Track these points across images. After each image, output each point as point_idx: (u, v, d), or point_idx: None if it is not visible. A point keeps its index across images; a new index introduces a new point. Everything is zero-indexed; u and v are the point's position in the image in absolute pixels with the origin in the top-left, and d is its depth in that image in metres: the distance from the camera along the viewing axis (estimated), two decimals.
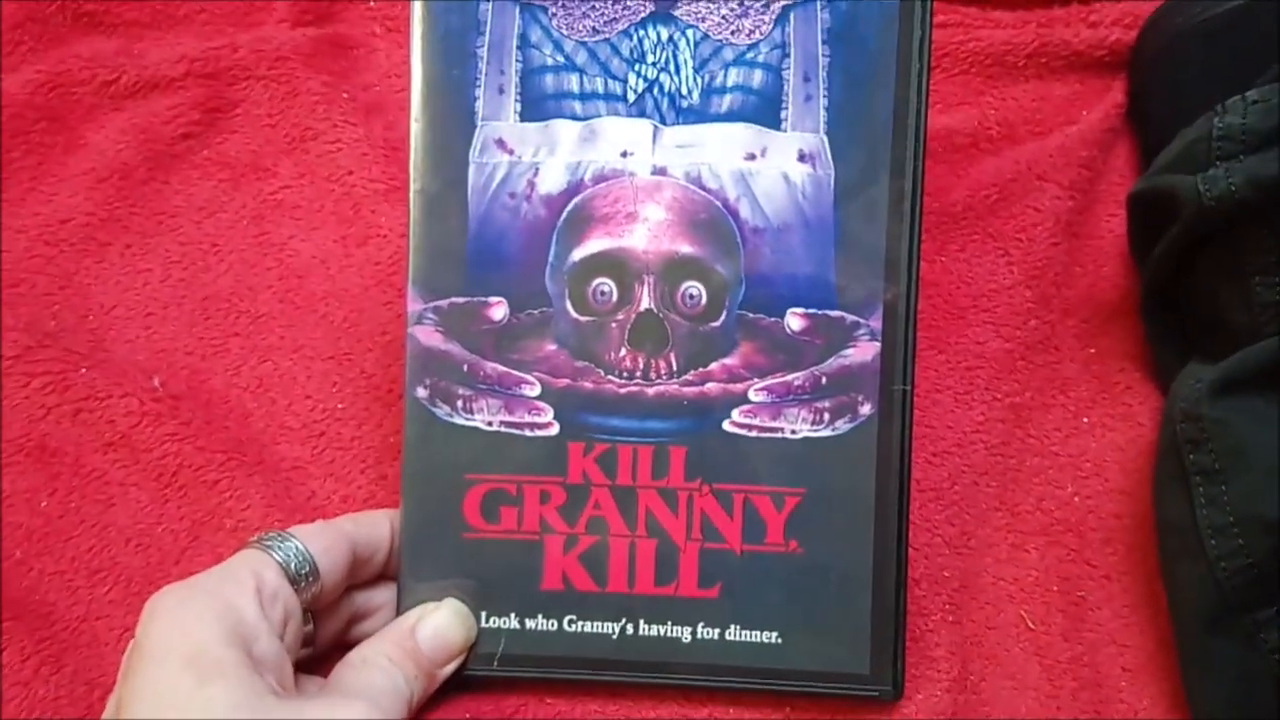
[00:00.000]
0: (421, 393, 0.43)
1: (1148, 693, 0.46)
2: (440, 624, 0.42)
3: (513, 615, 0.43)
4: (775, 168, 0.43)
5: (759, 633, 0.43)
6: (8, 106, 0.54)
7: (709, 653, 0.43)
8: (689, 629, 0.43)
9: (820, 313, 0.43)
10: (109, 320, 0.52)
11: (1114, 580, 0.48)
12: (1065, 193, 0.53)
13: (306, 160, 0.55)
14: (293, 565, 0.39)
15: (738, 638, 0.43)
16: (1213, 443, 0.43)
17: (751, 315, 0.43)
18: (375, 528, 0.43)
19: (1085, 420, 0.51)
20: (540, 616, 0.43)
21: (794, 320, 0.43)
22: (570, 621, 0.43)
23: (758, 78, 0.43)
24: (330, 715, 0.36)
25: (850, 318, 0.43)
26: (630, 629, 0.43)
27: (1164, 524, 0.46)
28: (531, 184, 0.43)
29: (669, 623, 0.43)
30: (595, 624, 0.43)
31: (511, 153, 0.43)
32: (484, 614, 0.43)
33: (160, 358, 0.51)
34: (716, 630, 0.43)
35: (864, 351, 0.43)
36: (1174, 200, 0.46)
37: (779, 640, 0.43)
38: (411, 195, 0.44)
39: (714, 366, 0.43)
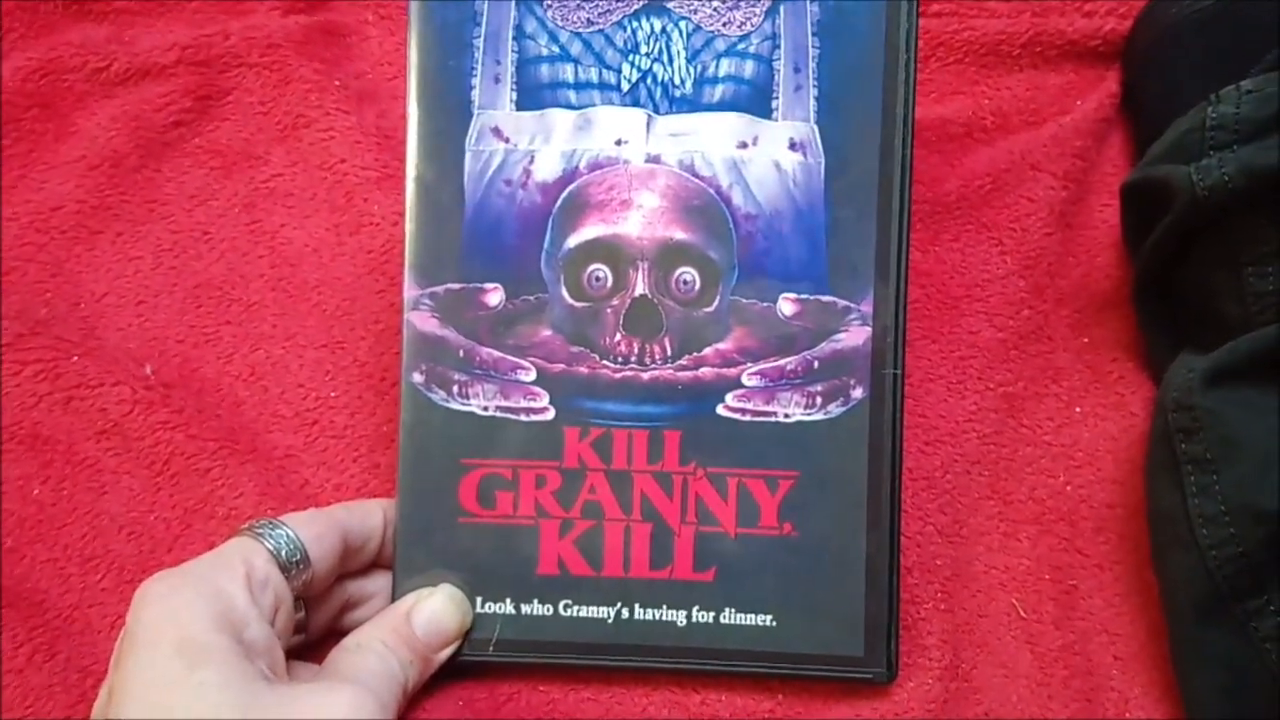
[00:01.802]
0: (418, 378, 0.44)
1: (1139, 681, 0.47)
2: (435, 609, 0.43)
3: (508, 600, 0.44)
4: (767, 156, 0.44)
5: (754, 616, 0.44)
6: None
7: (704, 636, 0.44)
8: (684, 612, 0.44)
9: (812, 298, 0.44)
10: (100, 308, 0.52)
11: (1106, 569, 0.49)
12: (1059, 183, 0.54)
13: (299, 148, 0.55)
14: (283, 552, 0.40)
15: (733, 621, 0.44)
16: (1204, 432, 0.44)
17: (744, 301, 0.44)
18: (368, 516, 0.44)
19: (1078, 410, 0.52)
20: (535, 601, 0.44)
21: (786, 305, 0.44)
22: (566, 606, 0.44)
23: (749, 68, 0.44)
24: (322, 698, 0.37)
25: (841, 302, 0.44)
26: (626, 613, 0.44)
27: (1155, 513, 0.46)
28: (527, 171, 0.44)
29: (664, 606, 0.44)
30: (591, 608, 0.44)
31: (507, 141, 0.44)
32: (479, 599, 0.44)
33: (152, 345, 0.52)
34: (711, 614, 0.44)
35: (855, 336, 0.44)
36: (1167, 190, 0.47)
37: (774, 623, 0.44)
38: (408, 183, 0.44)
39: (708, 351, 0.44)
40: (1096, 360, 0.53)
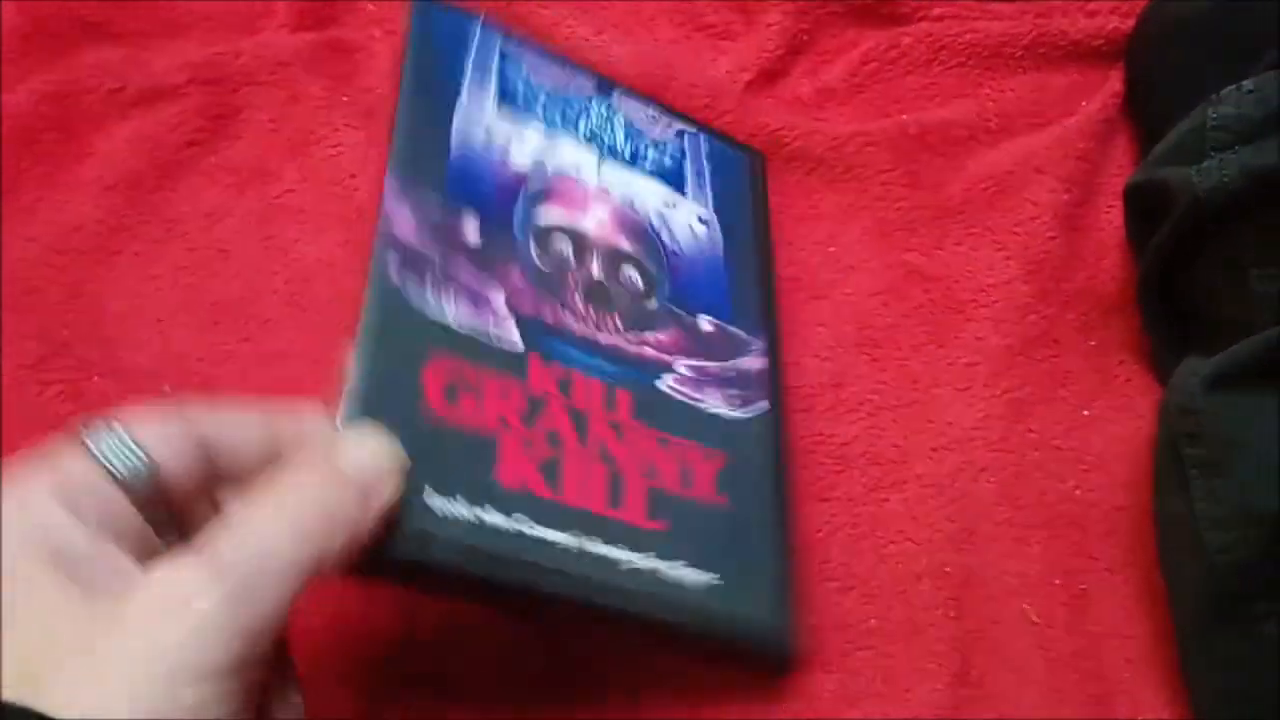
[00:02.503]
0: (392, 259, 0.43)
1: (1151, 684, 0.47)
2: (360, 440, 0.37)
3: (461, 499, 0.40)
4: (684, 219, 0.53)
5: (696, 572, 0.43)
6: (16, 117, 0.55)
7: (648, 582, 0.42)
8: (637, 554, 0.42)
9: (724, 325, 0.51)
10: (121, 328, 0.53)
11: (1116, 573, 0.49)
12: (1063, 185, 0.54)
13: (310, 164, 0.56)
14: (113, 458, 0.35)
15: (677, 575, 0.43)
16: (1208, 436, 0.44)
17: (675, 309, 0.50)
18: (241, 427, 0.37)
19: (1086, 413, 0.52)
20: (491, 508, 0.40)
21: (704, 323, 0.50)
22: (520, 520, 0.41)
23: (667, 160, 0.54)
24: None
25: (744, 335, 0.51)
26: (577, 543, 0.42)
27: (1162, 517, 0.47)
28: (505, 153, 0.49)
29: (619, 545, 0.42)
30: (546, 530, 0.41)
31: (488, 130, 0.49)
32: (429, 489, 0.39)
33: (171, 364, 0.52)
34: (663, 562, 0.43)
35: (755, 362, 0.50)
36: (1169, 192, 0.47)
37: (717, 581, 0.43)
38: (398, 107, 0.47)
39: (649, 336, 0.48)
40: (1104, 363, 0.53)
